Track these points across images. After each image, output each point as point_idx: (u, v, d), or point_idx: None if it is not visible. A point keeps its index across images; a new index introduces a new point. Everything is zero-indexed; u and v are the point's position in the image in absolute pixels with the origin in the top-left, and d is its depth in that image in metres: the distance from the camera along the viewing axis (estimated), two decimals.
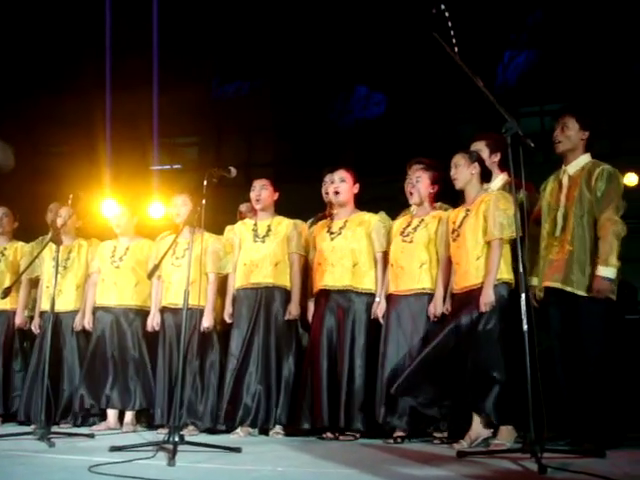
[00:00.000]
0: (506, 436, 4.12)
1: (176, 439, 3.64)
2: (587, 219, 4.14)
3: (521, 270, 3.60)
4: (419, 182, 4.77)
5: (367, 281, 4.91)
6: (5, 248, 6.06)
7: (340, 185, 5.03)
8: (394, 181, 5.32)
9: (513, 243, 4.26)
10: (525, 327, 3.46)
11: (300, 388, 4.92)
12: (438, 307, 4.53)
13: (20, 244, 6.11)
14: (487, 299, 4.19)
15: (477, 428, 4.16)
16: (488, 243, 4.32)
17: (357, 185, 5.10)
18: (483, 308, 4.19)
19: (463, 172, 4.48)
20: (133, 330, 5.52)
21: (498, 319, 4.20)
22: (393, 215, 5.11)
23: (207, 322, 5.17)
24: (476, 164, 4.49)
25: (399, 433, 4.51)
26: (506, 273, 4.30)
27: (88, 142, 14.83)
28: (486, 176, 4.59)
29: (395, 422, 4.51)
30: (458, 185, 4.53)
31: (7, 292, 4.88)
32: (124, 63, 14.27)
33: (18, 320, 5.92)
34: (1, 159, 3.82)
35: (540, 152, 3.89)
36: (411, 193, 4.81)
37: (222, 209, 5.97)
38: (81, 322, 5.66)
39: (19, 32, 13.58)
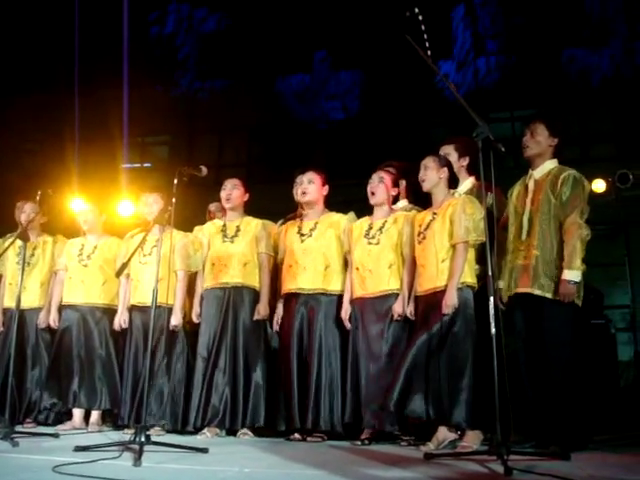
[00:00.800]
0: (473, 438, 4.14)
1: (142, 439, 3.61)
2: (552, 223, 4.20)
3: (489, 273, 3.62)
4: (382, 182, 4.79)
5: (336, 283, 4.91)
6: None
7: (308, 186, 5.03)
8: (365, 184, 5.33)
9: (479, 247, 4.30)
10: (493, 330, 3.48)
11: (274, 389, 4.91)
12: (402, 306, 4.55)
13: None
14: (450, 301, 4.22)
15: (444, 430, 4.18)
16: (453, 246, 4.34)
17: (326, 187, 5.10)
18: (445, 310, 4.21)
19: (432, 175, 4.51)
20: (100, 329, 5.46)
21: (463, 322, 4.23)
22: (364, 217, 5.11)
23: (175, 320, 5.14)
24: (445, 168, 4.52)
25: (366, 435, 4.52)
26: (470, 277, 4.34)
27: (58, 140, 14.68)
28: (454, 182, 4.62)
29: (366, 424, 4.51)
30: (426, 187, 4.55)
31: None
32: (94, 61, 14.16)
33: None
34: None
35: (510, 157, 3.93)
36: (372, 194, 4.82)
37: (192, 208, 5.94)
38: (46, 319, 5.59)
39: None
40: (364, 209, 5.24)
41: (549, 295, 4.14)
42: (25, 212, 5.61)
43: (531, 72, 12.69)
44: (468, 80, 13.44)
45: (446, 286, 4.28)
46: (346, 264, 4.93)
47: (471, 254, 4.36)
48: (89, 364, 5.39)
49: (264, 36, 13.93)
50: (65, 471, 3.08)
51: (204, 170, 4.38)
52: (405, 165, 5.07)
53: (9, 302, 5.55)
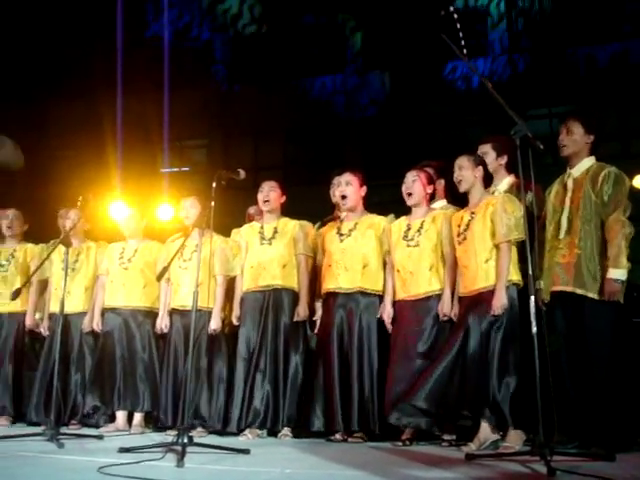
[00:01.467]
0: (515, 439, 4.10)
1: (185, 441, 3.64)
2: (594, 222, 4.15)
3: (530, 272, 3.59)
4: (416, 182, 4.76)
5: (375, 282, 4.91)
6: (15, 250, 6.08)
7: (346, 189, 5.03)
8: (401, 184, 5.33)
9: (521, 245, 4.26)
10: (534, 329, 3.45)
11: (311, 390, 4.92)
12: (447, 306, 4.53)
13: (30, 246, 6.13)
14: (500, 302, 4.18)
15: (486, 430, 4.14)
16: (497, 246, 4.31)
17: (364, 187, 5.10)
18: (496, 311, 4.18)
19: (467, 175, 4.48)
20: (142, 332, 5.53)
21: (508, 321, 4.20)
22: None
23: (215, 324, 5.17)
24: (480, 167, 4.50)
25: (407, 435, 4.51)
26: (514, 275, 4.29)
27: (98, 145, 14.89)
28: (489, 180, 4.59)
29: (407, 424, 4.50)
30: (463, 187, 4.53)
31: (17, 294, 4.89)
32: (134, 67, 14.33)
33: (28, 322, 5.94)
34: (11, 157, 3.84)
35: (549, 154, 3.89)
36: (409, 194, 4.80)
37: (230, 211, 5.98)
38: (90, 324, 5.68)
39: (29, 38, 13.65)
40: (400, 210, 5.24)
41: (592, 294, 4.09)
42: (69, 219, 5.71)
43: (568, 68, 12.54)
44: (505, 76, 13.33)
45: (493, 287, 4.25)
46: (385, 265, 4.93)
47: (514, 252, 4.32)
48: (132, 367, 5.46)
49: (297, 38, 13.97)
50: (110, 472, 3.13)
51: (242, 173, 4.40)
52: (442, 164, 5.05)
53: (54, 307, 5.65)
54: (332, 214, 5.48)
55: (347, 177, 5.05)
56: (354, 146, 13.92)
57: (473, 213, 4.45)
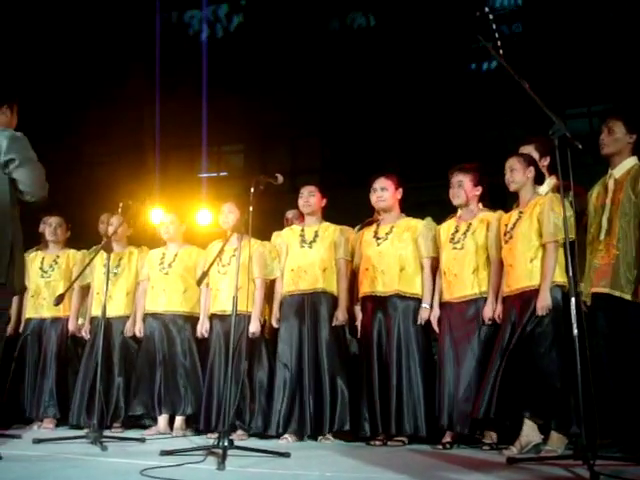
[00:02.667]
0: (557, 442, 4.05)
1: (225, 444, 3.67)
2: (633, 222, 4.08)
3: (571, 274, 3.55)
4: (461, 185, 4.76)
5: (414, 286, 4.90)
6: (58, 256, 6.18)
7: (382, 194, 5.04)
8: (440, 186, 5.31)
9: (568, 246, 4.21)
10: (575, 332, 3.41)
11: (354, 394, 4.92)
12: (489, 310, 4.52)
13: (72, 252, 6.23)
14: (544, 303, 4.15)
15: (528, 434, 4.10)
16: (543, 246, 4.28)
17: (400, 190, 5.10)
18: (540, 312, 4.15)
19: (518, 176, 4.46)
20: (182, 336, 5.58)
21: (552, 322, 4.16)
22: (439, 220, 5.09)
23: (254, 327, 5.20)
24: (531, 167, 4.47)
25: (448, 438, 4.49)
26: (560, 276, 4.24)
27: (137, 151, 15.07)
28: (540, 179, 4.56)
29: (448, 427, 4.49)
30: (512, 188, 4.51)
31: (60, 299, 4.97)
32: (173, 73, 14.47)
33: (71, 326, 6.03)
34: (35, 191, 3.87)
35: (589, 154, 3.84)
36: (456, 197, 4.80)
37: (268, 216, 6.02)
38: (132, 328, 5.75)
39: (67, 44, 13.86)
40: (438, 211, 5.22)
41: (628, 297, 4.02)
42: (111, 224, 5.79)
43: (607, 65, 12.35)
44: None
45: (537, 286, 4.22)
46: (422, 267, 4.92)
47: (560, 252, 4.27)
48: (172, 371, 5.52)
49: (333, 40, 13.99)
50: (152, 474, 3.16)
51: (280, 178, 4.42)
52: (478, 166, 5.00)
53: (96, 311, 5.73)
54: (372, 217, 5.47)
55: (382, 182, 5.06)
56: (391, 148, 13.88)
57: (521, 213, 4.44)
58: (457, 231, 4.78)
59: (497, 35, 3.69)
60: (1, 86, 4.04)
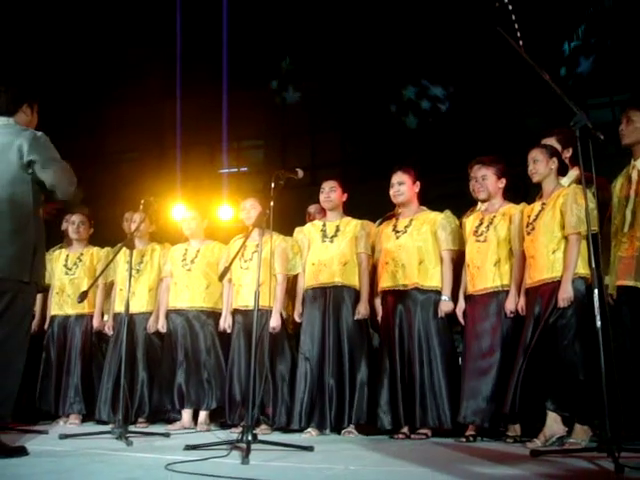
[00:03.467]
0: (581, 434, 4.04)
1: (249, 438, 3.69)
2: None
3: (594, 265, 3.52)
4: (486, 179, 4.75)
5: (433, 279, 4.89)
6: (82, 254, 6.24)
7: (399, 188, 5.04)
8: (461, 178, 5.29)
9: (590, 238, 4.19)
10: (598, 324, 3.39)
11: (377, 388, 4.93)
12: (511, 303, 4.51)
13: (96, 249, 6.28)
14: (565, 294, 4.14)
15: (551, 426, 4.09)
16: (566, 238, 4.26)
17: (418, 183, 5.09)
18: (562, 304, 4.13)
19: (541, 167, 4.43)
20: (206, 331, 5.62)
21: (575, 314, 4.14)
22: (460, 213, 5.08)
23: (274, 322, 5.22)
24: (555, 158, 4.44)
25: (471, 431, 4.49)
26: (583, 268, 4.21)
27: (158, 147, 15.14)
28: (564, 170, 4.53)
29: (472, 420, 4.48)
30: (536, 179, 4.48)
31: (84, 296, 5.01)
32: (193, 69, 14.51)
33: (96, 323, 6.09)
34: (61, 188, 3.91)
35: (612, 144, 3.80)
36: (480, 191, 4.79)
37: (289, 210, 6.02)
38: (154, 325, 5.79)
39: (87, 42, 13.94)
40: (459, 204, 5.21)
41: None
42: (134, 221, 5.84)
43: (629, 54, 12.21)
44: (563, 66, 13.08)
45: (559, 278, 4.21)
46: (442, 260, 4.92)
47: (583, 244, 4.23)
48: (196, 366, 5.56)
49: (354, 35, 13.95)
50: (177, 469, 3.19)
51: (300, 173, 4.43)
52: (499, 158, 4.98)
53: (119, 307, 5.79)
54: (393, 210, 5.47)
55: (399, 177, 5.06)
56: (411, 141, 13.84)
57: (544, 204, 4.42)
58: (481, 224, 4.77)
59: (517, 26, 3.66)
60: (21, 84, 4.06)
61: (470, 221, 4.90)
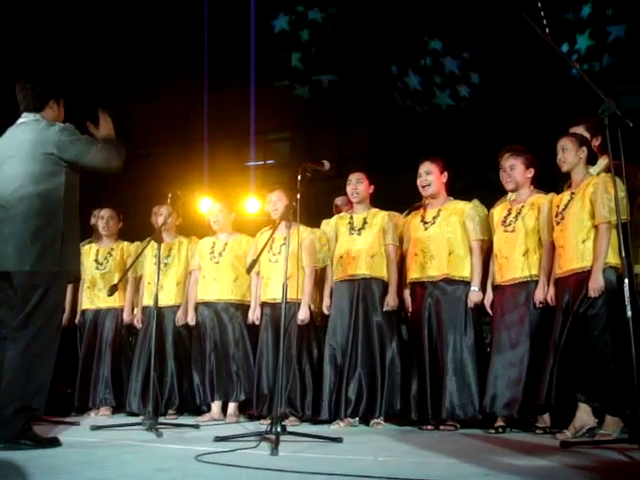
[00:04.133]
0: (612, 426, 4.00)
1: (278, 429, 3.71)
2: None
3: (623, 255, 3.49)
4: (514, 169, 4.71)
5: (463, 269, 4.87)
6: (112, 249, 6.30)
7: (427, 178, 5.01)
8: (489, 168, 5.26)
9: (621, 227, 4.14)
10: (629, 313, 3.36)
11: (407, 380, 4.93)
12: (541, 293, 4.47)
13: (125, 244, 6.34)
14: (596, 284, 4.09)
15: (582, 417, 4.06)
16: (596, 227, 4.22)
17: (445, 174, 5.06)
18: (592, 293, 4.09)
19: (571, 156, 4.39)
20: (234, 324, 5.64)
21: (606, 304, 4.09)
22: (488, 202, 5.05)
23: (302, 315, 5.23)
24: (584, 147, 4.39)
25: (500, 422, 4.47)
26: (613, 257, 4.15)
27: (185, 141, 15.21)
28: (593, 160, 4.48)
29: (500, 411, 4.47)
30: (565, 168, 4.43)
31: (113, 290, 5.05)
32: (219, 63, 14.53)
33: (126, 316, 6.15)
34: (109, 164, 4.01)
35: None
36: (508, 182, 4.75)
37: (315, 202, 6.03)
38: (183, 317, 5.83)
39: (115, 39, 14.03)
40: (487, 194, 5.17)
41: None
42: (161, 215, 5.88)
43: None
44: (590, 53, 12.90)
45: (589, 268, 4.16)
46: (471, 250, 4.90)
47: (613, 234, 4.17)
48: (225, 358, 5.59)
49: (378, 27, 13.89)
50: (207, 460, 3.22)
51: (327, 165, 4.42)
52: (528, 148, 4.94)
53: (148, 301, 5.84)
54: (420, 201, 5.45)
55: (427, 166, 5.03)
56: (438, 131, 13.75)
57: (573, 193, 4.37)
58: (509, 214, 4.74)
59: (543, 14, 3.62)
60: (47, 81, 4.10)
61: (498, 211, 4.87)
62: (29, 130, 3.94)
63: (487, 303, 4.77)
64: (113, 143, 4.07)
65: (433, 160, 5.06)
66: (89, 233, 6.49)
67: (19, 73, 4.10)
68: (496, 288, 4.74)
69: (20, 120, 4.03)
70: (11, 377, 3.70)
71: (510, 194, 4.92)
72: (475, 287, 4.81)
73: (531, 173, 4.74)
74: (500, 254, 4.70)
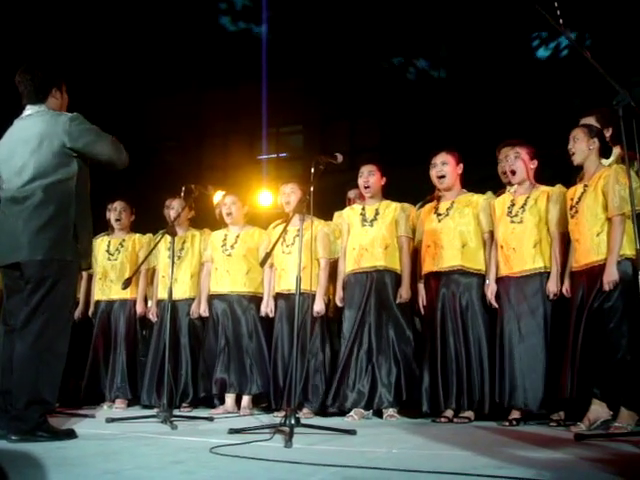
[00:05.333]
0: (627, 419, 3.97)
1: (292, 422, 3.72)
2: None
3: (638, 247, 3.46)
4: (519, 157, 4.68)
5: (477, 261, 4.86)
6: (124, 240, 6.32)
7: (443, 168, 5.00)
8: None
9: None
10: None
11: (419, 371, 4.94)
12: (554, 285, 4.45)
13: (138, 236, 6.36)
14: (610, 277, 4.06)
15: (596, 410, 4.05)
16: (609, 219, 4.18)
17: (461, 165, 5.04)
18: (607, 287, 4.06)
19: (581, 147, 4.35)
20: (248, 316, 5.65)
21: (622, 296, 4.06)
22: (499, 195, 5.02)
23: (318, 307, 5.24)
24: (595, 139, 4.35)
25: (515, 415, 4.46)
26: (629, 249, 4.10)
27: (198, 136, 15.23)
28: (606, 151, 4.43)
29: (518, 404, 4.46)
30: (576, 160, 4.40)
31: (127, 283, 5.07)
32: (232, 57, 14.54)
33: (139, 309, 6.17)
34: (117, 158, 4.01)
35: None
36: (512, 172, 4.71)
37: (328, 195, 6.02)
38: (197, 310, 5.85)
39: (129, 36, 14.06)
40: (500, 186, 5.15)
41: None
42: (174, 208, 5.90)
43: None
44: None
45: (604, 261, 4.13)
46: (485, 243, 4.88)
47: (628, 225, 4.13)
48: (238, 351, 5.60)
49: (390, 20, 13.85)
50: (221, 452, 3.23)
51: (340, 157, 4.41)
52: (523, 141, 4.89)
53: (162, 294, 5.86)
54: (432, 194, 5.44)
55: (443, 157, 5.02)
56: (451, 123, 13.71)
57: (586, 186, 4.33)
58: (514, 204, 4.71)
59: (556, 4, 3.60)
60: (46, 69, 4.07)
61: (500, 202, 4.83)
62: (38, 122, 3.94)
63: (490, 294, 4.74)
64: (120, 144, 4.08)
65: (449, 151, 5.04)
66: (104, 227, 6.51)
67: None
68: (502, 279, 4.71)
69: (26, 112, 4.04)
70: (21, 370, 3.72)
71: (509, 187, 4.88)
72: (489, 280, 4.79)
73: (534, 164, 4.72)
74: (507, 245, 4.67)
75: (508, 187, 4.93)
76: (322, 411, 5.17)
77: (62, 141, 3.87)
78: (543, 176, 4.82)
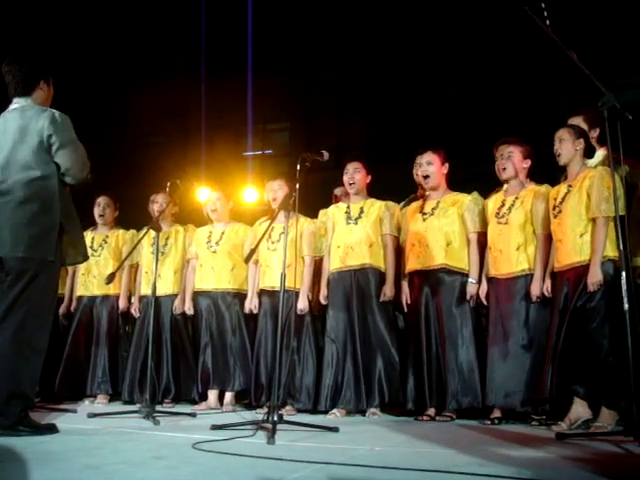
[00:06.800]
0: (608, 418, 4.01)
1: (275, 418, 3.72)
2: None
3: (621, 248, 3.49)
4: (511, 157, 4.69)
5: (461, 261, 4.88)
6: (107, 236, 6.28)
7: (428, 168, 5.01)
8: (489, 160, 5.24)
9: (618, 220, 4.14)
10: (626, 306, 3.36)
11: (404, 369, 4.95)
12: (537, 287, 4.47)
13: (121, 232, 6.32)
14: (594, 278, 4.09)
15: (577, 409, 4.08)
16: (593, 220, 4.20)
17: (446, 165, 5.06)
18: (591, 288, 4.08)
19: (567, 147, 4.37)
20: (231, 313, 5.64)
21: (604, 297, 4.09)
22: (487, 195, 5.04)
23: (302, 305, 5.24)
24: (581, 139, 4.37)
25: (496, 414, 4.48)
26: (611, 250, 4.14)
27: (183, 131, 15.18)
28: (590, 152, 4.46)
29: (500, 403, 4.48)
30: (562, 161, 4.42)
31: (111, 278, 5.05)
32: (218, 52, 14.50)
33: (121, 304, 6.14)
34: (76, 171, 3.95)
35: None
36: (504, 169, 4.73)
37: (314, 192, 6.02)
38: (181, 306, 5.83)
39: (113, 28, 13.99)
40: (486, 186, 5.16)
41: None
42: (157, 203, 5.88)
43: None
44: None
45: (587, 262, 4.15)
46: (469, 242, 4.90)
47: (611, 227, 4.16)
48: (222, 347, 5.59)
49: (380, 16, 13.86)
50: (204, 448, 3.23)
51: (326, 155, 4.42)
52: (521, 139, 4.92)
53: (145, 290, 5.83)
54: (416, 193, 5.45)
55: (428, 157, 5.03)
56: (437, 123, 13.74)
57: (570, 186, 4.35)
58: (503, 205, 4.72)
59: (544, 6, 3.61)
60: (34, 60, 4.04)
61: (492, 203, 4.86)
62: (23, 117, 3.91)
63: (482, 294, 4.77)
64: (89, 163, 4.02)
65: (435, 150, 5.05)
66: (92, 222, 6.44)
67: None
68: (490, 280, 4.74)
69: (12, 106, 4.01)
70: (0, 364, 3.69)
71: (505, 185, 4.91)
72: (472, 279, 4.81)
73: (527, 164, 4.73)
74: (494, 247, 4.69)
75: (505, 185, 4.94)
76: (305, 409, 5.17)
77: (42, 138, 3.84)
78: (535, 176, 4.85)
